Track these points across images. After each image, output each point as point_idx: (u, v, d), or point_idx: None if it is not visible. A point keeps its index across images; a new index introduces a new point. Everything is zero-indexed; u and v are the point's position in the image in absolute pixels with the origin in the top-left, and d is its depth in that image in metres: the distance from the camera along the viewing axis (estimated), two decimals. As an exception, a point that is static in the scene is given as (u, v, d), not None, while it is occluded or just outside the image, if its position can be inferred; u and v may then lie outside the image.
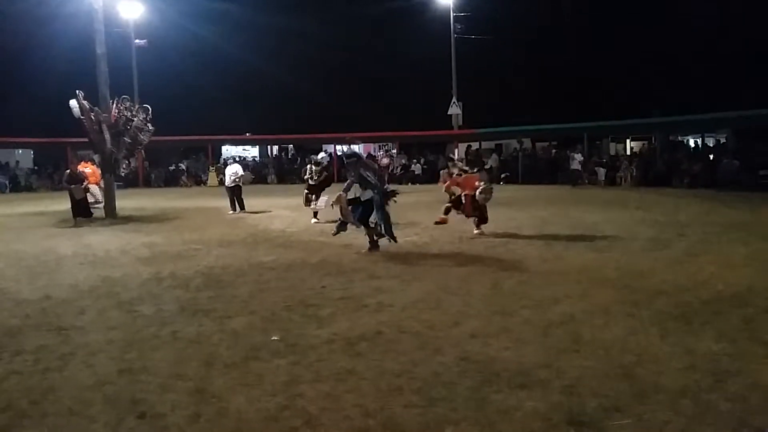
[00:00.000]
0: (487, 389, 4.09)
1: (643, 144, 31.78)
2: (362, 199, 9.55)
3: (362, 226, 9.65)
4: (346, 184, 9.82)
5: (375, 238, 9.62)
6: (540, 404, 3.83)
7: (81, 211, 14.58)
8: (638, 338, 5.06)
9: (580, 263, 8.35)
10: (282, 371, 4.48)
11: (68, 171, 14.99)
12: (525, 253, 9.26)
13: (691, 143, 31.75)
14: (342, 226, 9.85)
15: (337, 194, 9.70)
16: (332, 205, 10.13)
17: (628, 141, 33.87)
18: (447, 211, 11.53)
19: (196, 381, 4.32)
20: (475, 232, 11.09)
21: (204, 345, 5.12)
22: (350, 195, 9.63)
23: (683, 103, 28.66)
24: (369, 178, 9.49)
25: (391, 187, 11.09)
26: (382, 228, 9.59)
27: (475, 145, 33.93)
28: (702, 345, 4.87)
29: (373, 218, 9.61)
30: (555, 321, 5.58)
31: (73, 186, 14.61)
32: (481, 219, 11.18)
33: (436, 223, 11.78)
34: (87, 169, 15.75)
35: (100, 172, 15.87)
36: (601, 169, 27.24)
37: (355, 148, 10.53)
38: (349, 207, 9.58)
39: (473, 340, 5.09)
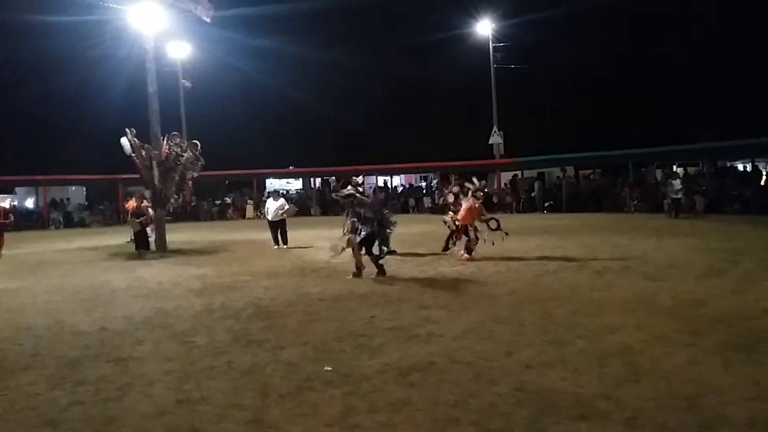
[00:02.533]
0: (546, 420, 4.02)
1: (682, 169, 30.92)
2: (363, 234, 10.16)
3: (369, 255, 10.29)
4: (349, 226, 10.53)
5: (380, 263, 10.26)
6: (602, 436, 3.75)
7: (137, 243, 15.19)
8: (700, 368, 4.92)
9: (633, 292, 8.18)
10: (337, 401, 4.49)
11: (135, 205, 15.69)
12: (575, 282, 9.12)
13: (740, 168, 30.94)
14: (381, 269, 10.23)
15: (347, 238, 10.41)
16: (343, 248, 10.62)
17: (674, 167, 33.20)
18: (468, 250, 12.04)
19: (252, 411, 4.36)
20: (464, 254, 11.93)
21: (258, 375, 5.17)
22: (359, 236, 10.21)
23: (731, 128, 28.08)
24: (365, 213, 10.25)
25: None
26: (383, 254, 10.34)
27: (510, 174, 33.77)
28: (767, 375, 4.71)
29: (375, 249, 10.30)
30: (611, 351, 5.47)
31: (130, 219, 15.36)
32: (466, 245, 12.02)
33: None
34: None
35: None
36: (700, 197, 23.70)
37: (351, 188, 10.95)
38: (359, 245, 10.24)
39: (528, 371, 5.02)
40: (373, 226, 10.18)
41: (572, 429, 3.88)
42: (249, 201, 34.71)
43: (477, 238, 12.04)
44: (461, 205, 12.36)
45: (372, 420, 4.13)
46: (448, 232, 13.03)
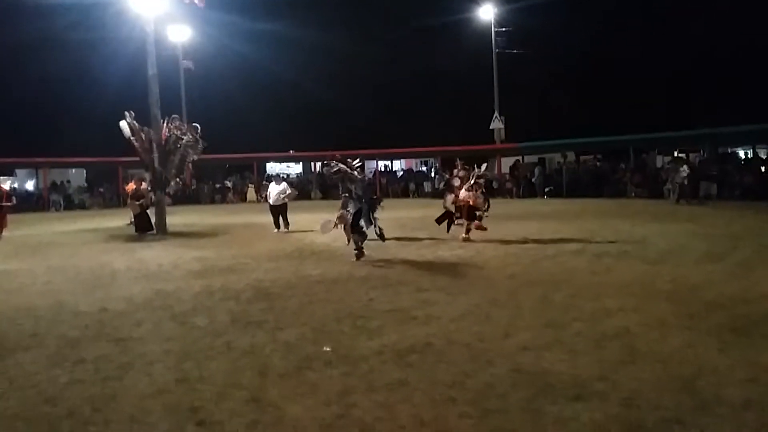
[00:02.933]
0: (542, 401, 4.05)
1: (684, 156, 30.87)
2: (351, 211, 10.36)
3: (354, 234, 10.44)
4: (342, 201, 10.77)
5: (361, 246, 10.31)
6: (597, 416, 3.78)
7: (138, 225, 15.30)
8: (696, 351, 4.95)
9: (632, 276, 8.20)
10: (335, 381, 4.52)
11: (135, 188, 15.80)
12: (574, 266, 9.14)
13: (741, 155, 30.91)
14: (361, 235, 10.41)
15: (339, 212, 10.59)
16: (336, 224, 10.76)
17: (675, 153, 33.19)
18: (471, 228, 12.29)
19: (251, 390, 4.39)
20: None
21: (258, 355, 5.20)
22: (350, 211, 10.43)
23: (732, 114, 27.95)
24: (354, 190, 10.40)
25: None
26: (378, 231, 10.62)
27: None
28: (763, 357, 4.74)
29: (363, 226, 10.48)
30: (609, 333, 5.50)
31: (130, 201, 15.48)
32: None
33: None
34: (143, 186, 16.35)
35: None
36: (711, 183, 23.15)
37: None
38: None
39: (525, 352, 5.05)
40: (361, 203, 10.36)
41: (568, 409, 3.90)
42: (249, 185, 34.73)
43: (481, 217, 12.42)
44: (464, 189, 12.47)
45: (370, 400, 4.16)
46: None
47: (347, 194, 10.54)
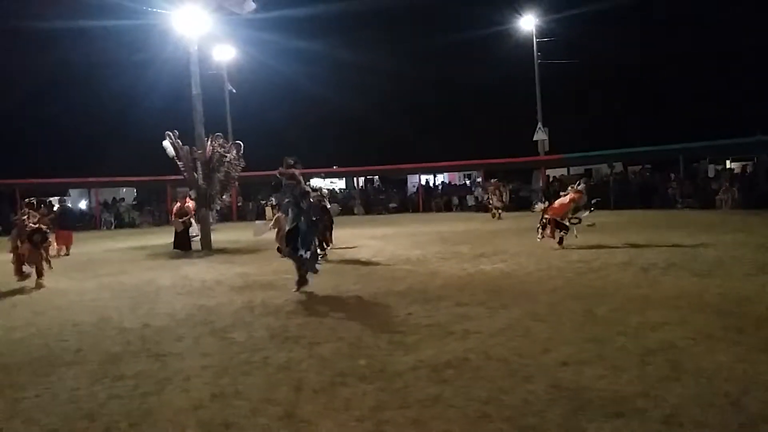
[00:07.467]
0: (580, 418, 3.94)
1: (744, 166, 30.00)
2: (288, 227, 9.20)
3: (292, 258, 9.23)
4: (283, 205, 9.46)
5: (303, 272, 9.15)
6: (637, 434, 3.65)
7: (178, 243, 15.54)
8: (744, 366, 4.74)
9: (679, 289, 7.94)
10: (369, 397, 4.48)
11: (178, 205, 16.15)
12: (618, 279, 8.91)
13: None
14: (302, 277, 9.17)
15: (275, 216, 9.19)
16: (271, 227, 9.69)
17: (728, 162, 32.22)
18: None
19: (285, 405, 4.39)
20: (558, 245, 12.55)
21: (293, 370, 5.20)
22: (288, 224, 9.21)
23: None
24: (302, 204, 9.08)
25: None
26: (307, 257, 9.10)
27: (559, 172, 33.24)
28: (818, 374, 4.50)
29: (299, 248, 9.06)
30: (653, 348, 5.31)
31: (173, 219, 15.79)
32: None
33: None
34: (189, 204, 16.63)
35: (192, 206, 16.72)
36: None
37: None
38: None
39: (565, 368, 4.92)
40: (299, 220, 9.06)
41: (607, 427, 3.78)
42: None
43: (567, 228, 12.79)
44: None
45: (403, 415, 4.11)
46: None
47: (290, 200, 9.19)
